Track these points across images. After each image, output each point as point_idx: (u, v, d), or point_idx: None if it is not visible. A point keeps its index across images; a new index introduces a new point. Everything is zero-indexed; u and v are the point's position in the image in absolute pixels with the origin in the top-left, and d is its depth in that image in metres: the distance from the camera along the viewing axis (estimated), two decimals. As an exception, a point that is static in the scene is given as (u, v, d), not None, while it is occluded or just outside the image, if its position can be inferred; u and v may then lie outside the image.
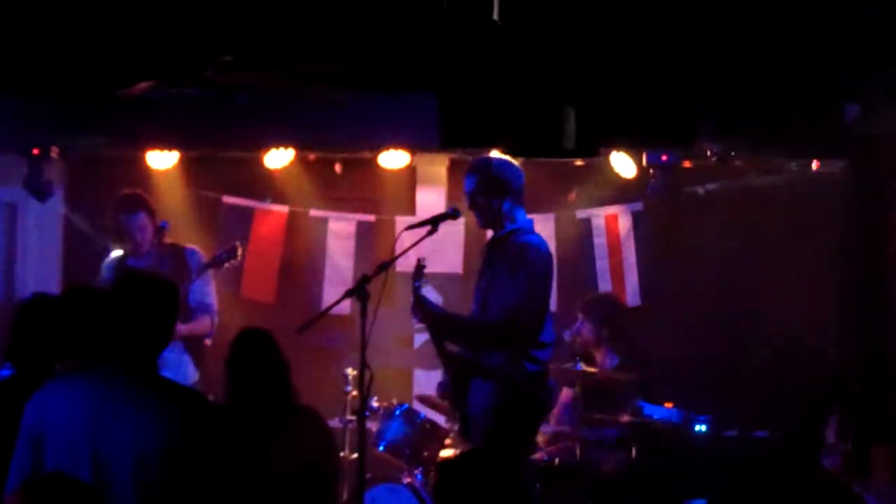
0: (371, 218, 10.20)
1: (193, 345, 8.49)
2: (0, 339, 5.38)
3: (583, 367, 8.08)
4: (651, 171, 8.96)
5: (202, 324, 8.56)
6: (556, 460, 8.20)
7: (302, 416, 6.09)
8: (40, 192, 9.10)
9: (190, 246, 8.74)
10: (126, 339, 4.57)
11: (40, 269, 9.68)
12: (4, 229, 9.85)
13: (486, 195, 7.30)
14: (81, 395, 4.51)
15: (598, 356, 8.85)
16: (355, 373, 7.03)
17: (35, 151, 9.03)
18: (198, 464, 4.52)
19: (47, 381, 4.68)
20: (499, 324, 7.14)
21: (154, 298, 4.66)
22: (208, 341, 8.63)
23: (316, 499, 5.97)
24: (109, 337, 4.59)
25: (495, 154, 7.66)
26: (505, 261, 7.22)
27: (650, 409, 8.13)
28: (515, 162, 7.39)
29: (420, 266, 7.43)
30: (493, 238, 7.42)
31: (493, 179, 7.33)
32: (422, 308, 7.37)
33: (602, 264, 9.98)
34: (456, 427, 8.37)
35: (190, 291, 8.42)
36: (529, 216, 7.41)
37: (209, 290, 8.65)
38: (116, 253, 8.70)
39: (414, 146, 9.17)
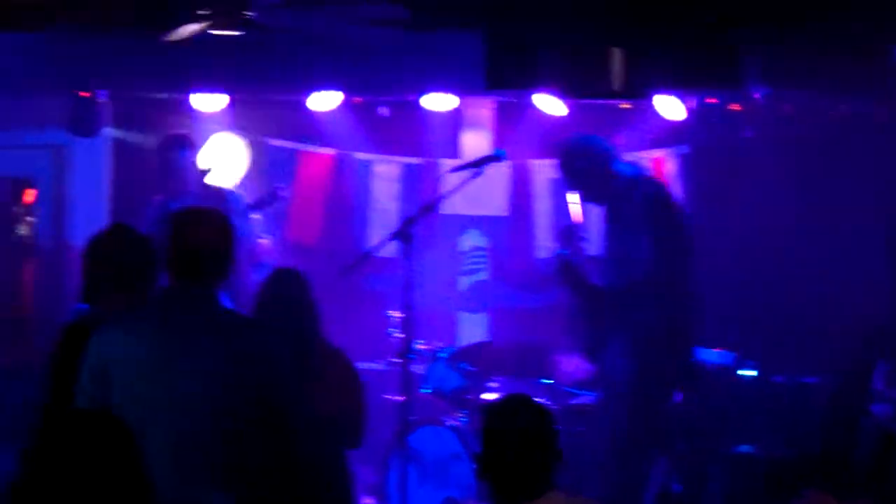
0: (416, 160, 10.19)
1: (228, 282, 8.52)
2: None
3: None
4: (699, 113, 8.90)
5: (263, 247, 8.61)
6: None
7: (329, 358, 6.07)
8: (86, 130, 9.15)
9: (231, 188, 8.75)
10: (186, 271, 4.55)
11: (89, 213, 9.71)
12: (52, 173, 9.90)
13: (573, 181, 7.41)
14: (144, 330, 4.46)
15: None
16: (400, 315, 7.03)
17: (83, 94, 9.08)
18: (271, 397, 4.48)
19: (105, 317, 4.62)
20: (635, 284, 7.24)
21: (213, 228, 4.61)
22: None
23: (340, 441, 5.97)
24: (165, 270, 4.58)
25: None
26: (621, 221, 7.38)
27: (700, 353, 8.09)
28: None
29: (570, 230, 7.45)
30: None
31: (569, 162, 7.42)
32: (572, 280, 7.43)
33: (650, 207, 9.90)
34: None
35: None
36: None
37: (252, 227, 8.63)
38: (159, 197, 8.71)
39: (460, 90, 9.12)
